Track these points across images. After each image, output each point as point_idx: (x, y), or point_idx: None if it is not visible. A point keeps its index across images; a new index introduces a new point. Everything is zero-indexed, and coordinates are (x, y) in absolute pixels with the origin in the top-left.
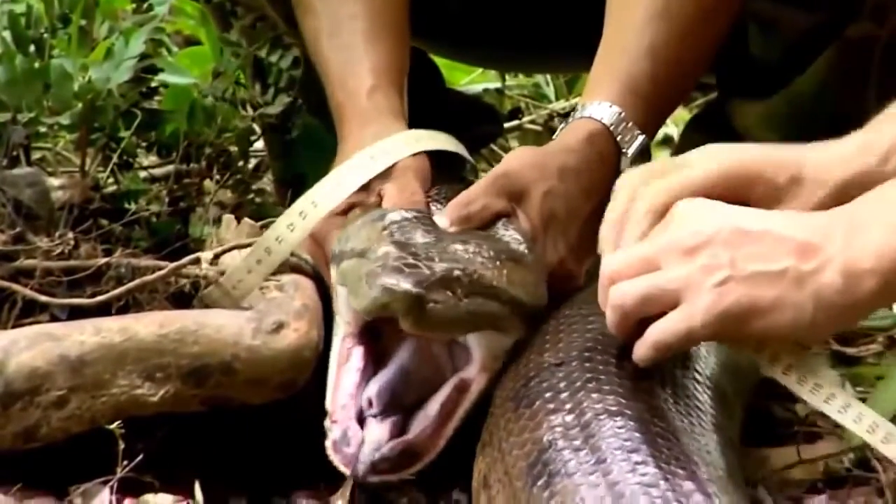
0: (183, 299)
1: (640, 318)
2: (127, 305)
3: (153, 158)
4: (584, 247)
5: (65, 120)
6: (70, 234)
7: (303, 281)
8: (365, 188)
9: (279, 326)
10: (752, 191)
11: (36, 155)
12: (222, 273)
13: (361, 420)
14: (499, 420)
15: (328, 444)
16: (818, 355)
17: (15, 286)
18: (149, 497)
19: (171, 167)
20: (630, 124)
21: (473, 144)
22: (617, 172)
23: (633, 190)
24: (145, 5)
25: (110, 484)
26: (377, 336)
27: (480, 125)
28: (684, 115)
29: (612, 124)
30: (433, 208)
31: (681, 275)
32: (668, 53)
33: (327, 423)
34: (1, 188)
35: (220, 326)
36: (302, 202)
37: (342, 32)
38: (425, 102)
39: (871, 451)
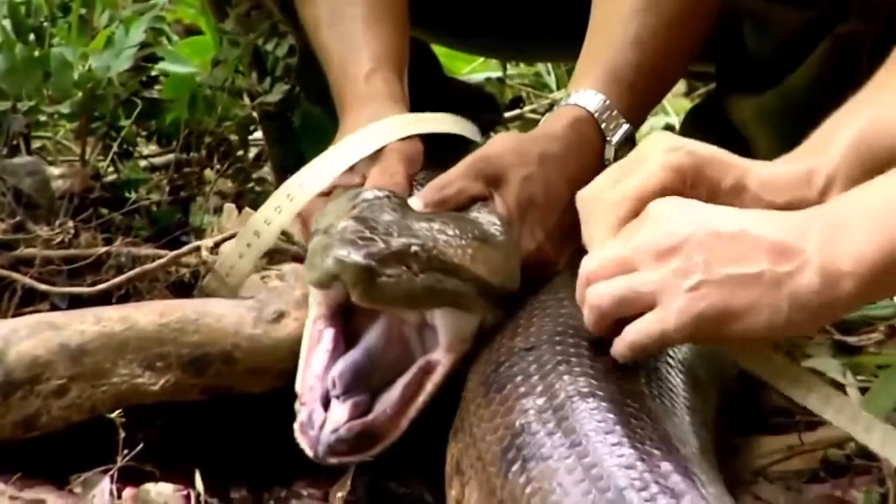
0: (183, 288)
1: (618, 318)
2: (127, 295)
3: (153, 147)
4: (564, 233)
5: (65, 109)
6: (70, 223)
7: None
8: (351, 170)
9: (280, 316)
10: (696, 189)
11: (36, 144)
12: None
13: (328, 402)
14: (469, 405)
15: (296, 426)
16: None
17: (15, 275)
18: (149, 486)
19: (171, 156)
20: (615, 112)
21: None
22: (601, 160)
23: (594, 200)
24: None
25: (111, 473)
26: (349, 318)
27: (479, 113)
28: (685, 105)
29: (596, 111)
30: (416, 191)
31: (655, 278)
32: (654, 43)
33: (297, 405)
34: (1, 177)
35: (220, 316)
36: (289, 184)
37: (341, 20)
38: (424, 91)
39: None
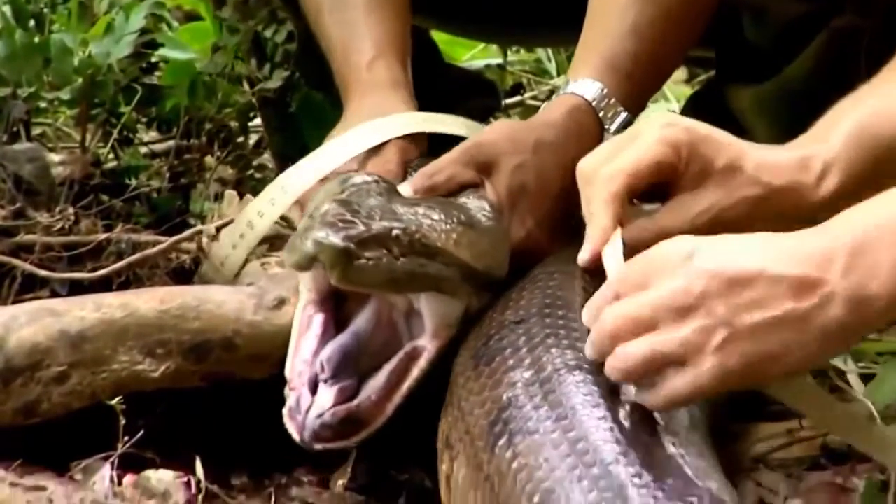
0: (183, 275)
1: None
2: (128, 281)
3: (153, 134)
4: (558, 220)
5: (65, 95)
6: (70, 210)
7: None
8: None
9: (280, 302)
10: (689, 166)
11: (36, 130)
12: None
13: (316, 387)
14: (458, 379)
15: (285, 411)
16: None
17: (15, 261)
18: (150, 473)
19: (171, 143)
20: (613, 101)
21: (470, 118)
22: None
23: (591, 173)
24: None
25: (111, 460)
26: (340, 305)
27: (478, 99)
28: (686, 92)
29: (594, 100)
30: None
31: (680, 338)
32: (652, 32)
33: (286, 390)
34: (1, 163)
35: (221, 302)
36: (284, 177)
37: (343, 7)
38: (423, 79)
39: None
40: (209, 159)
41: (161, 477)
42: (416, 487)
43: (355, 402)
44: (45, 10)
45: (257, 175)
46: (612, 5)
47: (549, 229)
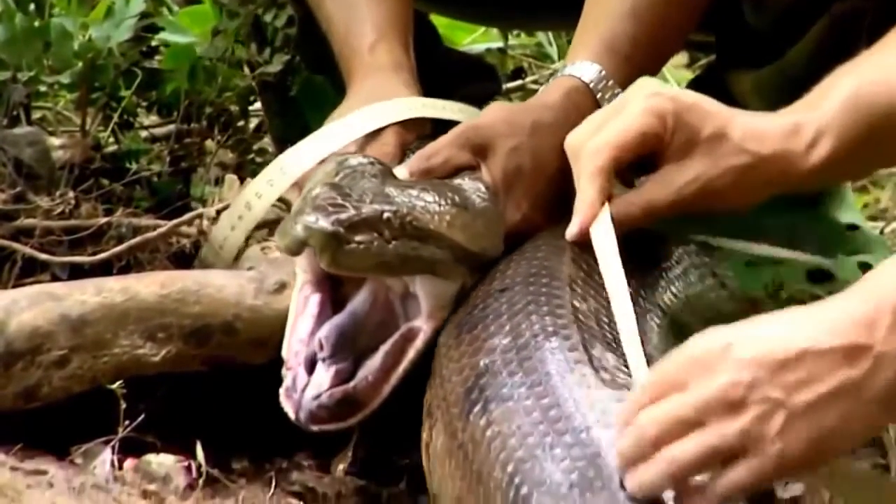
0: (184, 259)
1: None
2: (128, 265)
3: (154, 118)
4: (554, 202)
5: (65, 79)
6: (71, 194)
7: None
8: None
9: (281, 287)
10: (674, 137)
11: (36, 114)
12: None
13: (313, 367)
14: (441, 349)
15: (281, 391)
16: None
17: (15, 245)
18: (150, 457)
19: (171, 127)
20: (611, 83)
21: (470, 102)
22: None
23: (578, 147)
24: None
25: (112, 444)
26: (337, 286)
27: (478, 83)
28: (687, 76)
29: (592, 82)
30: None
31: (739, 429)
32: (651, 15)
33: (283, 370)
34: (1, 147)
35: (221, 286)
36: (282, 159)
37: None
38: (423, 63)
39: None
40: (209, 143)
41: (162, 461)
42: (415, 471)
43: (352, 383)
44: None
45: (258, 159)
46: None
47: (544, 211)
